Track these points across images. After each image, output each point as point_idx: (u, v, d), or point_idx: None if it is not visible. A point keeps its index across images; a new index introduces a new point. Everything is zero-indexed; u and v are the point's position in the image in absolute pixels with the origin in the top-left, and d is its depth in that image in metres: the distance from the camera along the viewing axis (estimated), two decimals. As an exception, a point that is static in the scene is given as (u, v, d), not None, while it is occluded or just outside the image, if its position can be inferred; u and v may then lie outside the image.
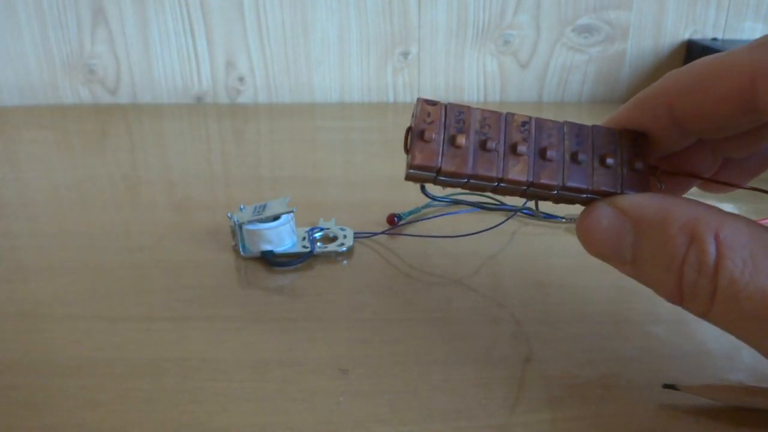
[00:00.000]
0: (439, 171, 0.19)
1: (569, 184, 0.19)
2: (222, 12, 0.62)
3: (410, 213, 0.37)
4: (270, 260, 0.32)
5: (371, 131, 0.57)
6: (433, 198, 0.21)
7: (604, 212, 0.19)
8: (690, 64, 0.19)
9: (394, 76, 0.65)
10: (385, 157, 0.49)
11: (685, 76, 0.19)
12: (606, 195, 0.20)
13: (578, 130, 0.20)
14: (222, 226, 0.36)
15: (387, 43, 0.63)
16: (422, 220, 0.36)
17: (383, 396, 0.23)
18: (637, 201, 0.19)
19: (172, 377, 0.23)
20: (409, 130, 0.20)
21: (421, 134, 0.19)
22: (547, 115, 0.62)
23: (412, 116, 0.20)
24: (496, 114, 0.20)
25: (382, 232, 0.35)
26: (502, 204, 0.38)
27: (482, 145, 0.19)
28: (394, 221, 0.36)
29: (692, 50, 0.63)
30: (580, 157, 0.20)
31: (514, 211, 0.37)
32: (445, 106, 0.20)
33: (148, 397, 0.23)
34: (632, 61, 0.65)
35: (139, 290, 0.30)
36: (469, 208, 0.38)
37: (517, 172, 0.19)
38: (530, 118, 0.20)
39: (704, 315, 0.17)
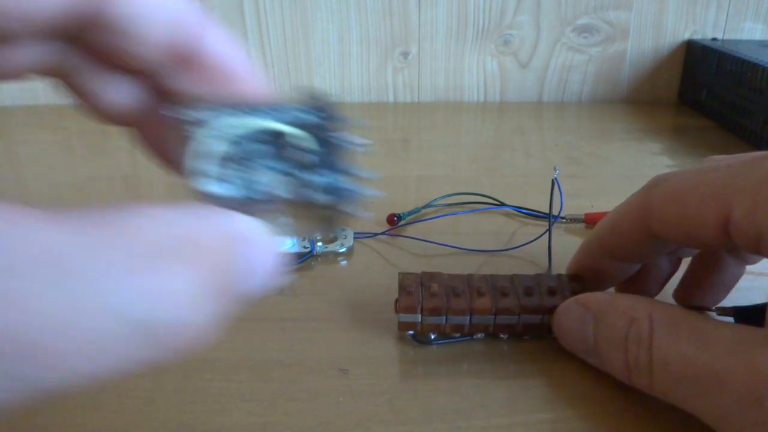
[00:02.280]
0: (422, 310, 0.24)
1: (525, 304, 0.25)
2: (222, 12, 0.62)
3: (410, 213, 0.37)
4: (270, 260, 0.31)
5: (371, 131, 0.57)
6: (424, 342, 0.25)
7: (571, 307, 0.24)
8: (609, 213, 0.25)
9: (394, 76, 0.65)
10: (385, 157, 0.49)
11: (605, 223, 0.25)
12: None
13: (527, 277, 0.26)
14: (222, 226, 0.35)
15: (387, 43, 0.63)
16: (422, 220, 0.37)
17: (383, 396, 0.23)
18: (594, 296, 0.23)
19: (172, 377, 0.23)
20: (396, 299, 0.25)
21: (404, 288, 0.25)
22: (548, 115, 0.62)
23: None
24: (460, 275, 0.26)
25: (383, 233, 0.35)
26: (502, 204, 0.38)
27: (453, 292, 0.25)
28: (394, 221, 0.36)
29: (692, 50, 0.63)
30: (532, 290, 0.25)
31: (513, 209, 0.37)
32: (420, 273, 0.26)
33: (148, 397, 0.23)
34: (632, 61, 0.65)
35: (139, 290, 0.30)
36: (469, 208, 0.38)
37: (483, 303, 0.25)
38: (486, 276, 0.26)
39: (649, 387, 0.20)
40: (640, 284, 0.27)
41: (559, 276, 0.26)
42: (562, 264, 0.29)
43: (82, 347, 0.10)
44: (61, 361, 0.10)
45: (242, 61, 0.17)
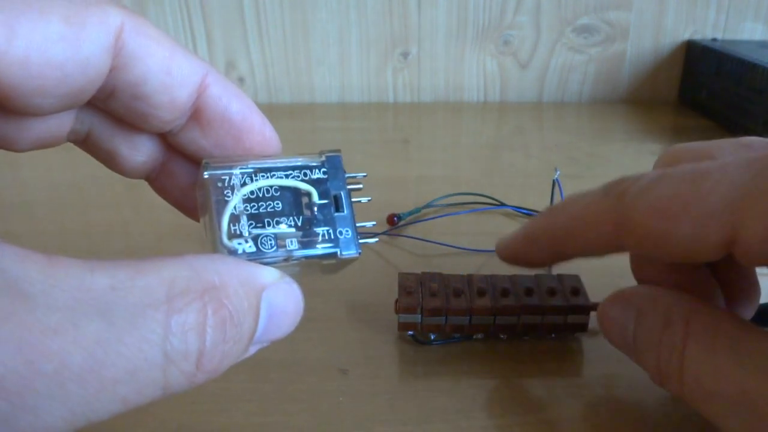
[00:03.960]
0: (422, 310, 0.24)
1: (525, 304, 0.25)
2: (222, 12, 0.62)
3: (410, 213, 0.37)
4: (270, 260, 0.31)
5: (371, 131, 0.57)
6: (424, 342, 0.25)
7: (615, 300, 0.22)
8: (561, 211, 0.22)
9: (394, 76, 0.65)
10: (385, 157, 0.49)
11: (560, 223, 0.22)
12: (558, 311, 0.25)
13: (527, 277, 0.26)
14: (222, 226, 0.35)
15: (387, 43, 0.63)
16: (422, 220, 0.36)
17: (383, 396, 0.23)
18: (638, 291, 0.21)
19: (172, 377, 0.23)
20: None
21: (404, 288, 0.25)
22: (548, 116, 0.62)
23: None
24: (460, 275, 0.26)
25: (383, 233, 0.35)
26: (502, 204, 0.38)
27: (453, 292, 0.25)
28: (394, 221, 0.36)
29: (692, 50, 0.63)
30: (532, 290, 0.25)
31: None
32: (420, 273, 0.26)
33: (148, 397, 0.23)
34: (632, 61, 0.65)
35: (139, 290, 0.30)
36: (469, 208, 0.38)
37: (483, 302, 0.24)
38: (486, 276, 0.26)
39: (679, 394, 0.19)
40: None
41: (559, 276, 0.26)
42: (562, 264, 0.29)
43: (123, 374, 0.12)
44: (107, 386, 0.12)
45: (252, 116, 0.18)
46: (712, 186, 0.17)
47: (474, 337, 0.25)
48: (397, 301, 0.25)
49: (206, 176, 0.16)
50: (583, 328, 0.25)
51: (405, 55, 0.64)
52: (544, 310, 0.25)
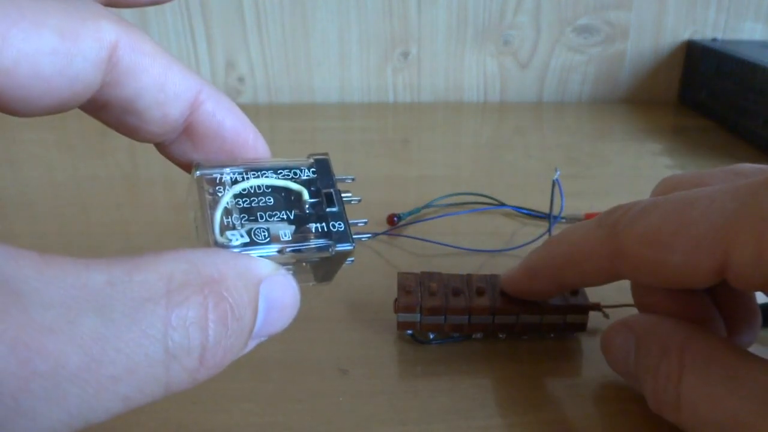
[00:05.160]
0: (421, 309, 0.24)
1: (524, 304, 0.25)
2: (222, 12, 0.62)
3: (410, 213, 0.37)
4: (270, 260, 0.32)
5: (371, 131, 0.57)
6: (423, 341, 0.25)
7: (617, 329, 0.22)
8: (558, 245, 0.23)
9: (394, 76, 0.65)
10: (385, 157, 0.49)
11: (558, 256, 0.23)
12: (558, 311, 0.25)
13: None
14: (222, 226, 0.35)
15: (387, 43, 0.63)
16: (422, 220, 0.37)
17: (383, 395, 0.23)
18: (639, 319, 0.22)
19: (172, 377, 0.23)
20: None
21: (403, 287, 0.25)
22: (548, 116, 0.62)
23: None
24: (459, 275, 0.26)
25: (382, 233, 0.35)
26: (502, 204, 0.38)
27: (452, 291, 0.25)
28: (394, 221, 0.36)
29: (692, 50, 0.63)
30: None
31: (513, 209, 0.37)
32: (420, 273, 0.26)
33: (148, 397, 0.23)
34: (632, 61, 0.65)
35: (139, 290, 0.30)
36: (469, 208, 0.38)
37: (482, 301, 0.25)
38: (485, 275, 0.26)
39: (677, 422, 0.19)
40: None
41: None
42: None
43: (123, 372, 0.11)
44: (106, 385, 0.11)
45: (246, 132, 0.18)
46: (701, 213, 0.18)
47: (473, 336, 0.25)
48: (396, 300, 0.25)
49: (198, 174, 0.16)
50: (582, 327, 0.25)
51: (405, 55, 0.64)
52: (543, 309, 0.25)
